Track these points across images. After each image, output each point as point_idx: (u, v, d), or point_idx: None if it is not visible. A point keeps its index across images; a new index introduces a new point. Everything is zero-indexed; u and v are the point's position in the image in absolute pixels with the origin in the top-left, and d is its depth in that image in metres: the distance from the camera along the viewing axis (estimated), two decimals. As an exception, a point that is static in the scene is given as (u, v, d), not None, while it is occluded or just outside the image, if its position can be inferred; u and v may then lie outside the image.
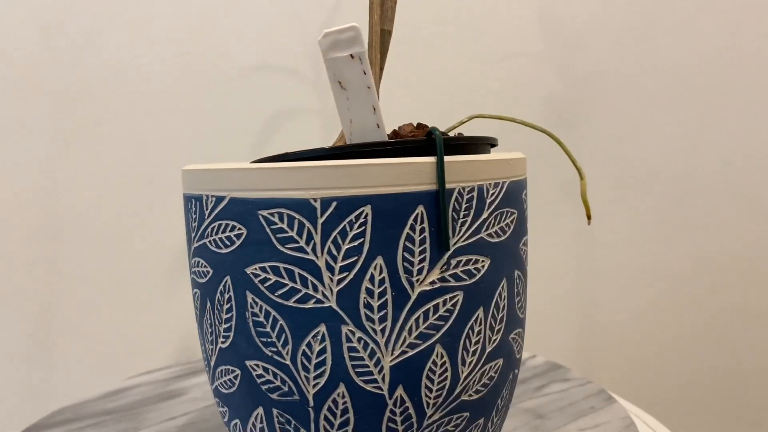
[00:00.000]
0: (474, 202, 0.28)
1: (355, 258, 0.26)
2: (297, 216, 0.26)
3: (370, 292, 0.26)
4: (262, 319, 0.28)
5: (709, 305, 0.80)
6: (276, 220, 0.27)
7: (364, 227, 0.26)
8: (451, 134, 0.37)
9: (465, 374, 0.29)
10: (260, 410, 0.29)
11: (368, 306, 0.27)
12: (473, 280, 0.28)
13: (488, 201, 0.28)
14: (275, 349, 0.28)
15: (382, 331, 0.27)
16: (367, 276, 0.26)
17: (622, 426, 0.41)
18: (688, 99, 0.75)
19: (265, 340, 0.28)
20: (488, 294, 0.29)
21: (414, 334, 0.27)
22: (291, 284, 0.27)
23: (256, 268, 0.28)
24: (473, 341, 0.29)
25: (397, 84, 0.68)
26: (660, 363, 0.80)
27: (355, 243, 0.26)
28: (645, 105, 0.75)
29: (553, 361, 0.55)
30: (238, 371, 0.30)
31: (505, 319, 0.30)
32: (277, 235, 0.27)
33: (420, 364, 0.27)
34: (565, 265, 0.76)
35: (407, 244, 0.27)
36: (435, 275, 0.27)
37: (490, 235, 0.29)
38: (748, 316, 0.80)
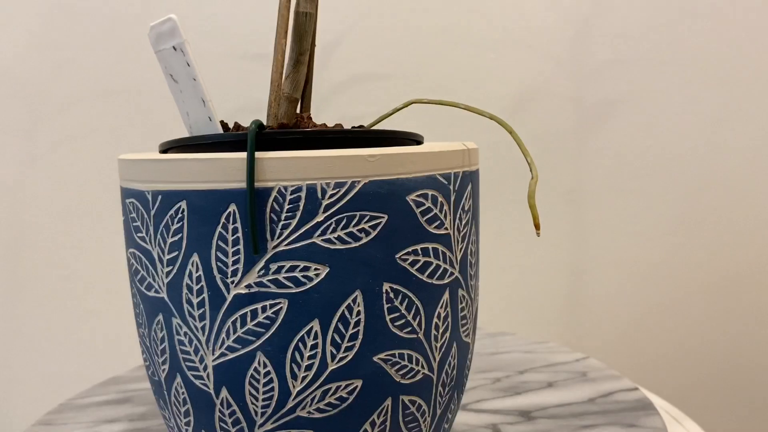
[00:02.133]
0: (301, 203, 0.25)
1: (177, 253, 0.26)
2: (140, 207, 0.27)
3: (190, 289, 0.26)
4: (135, 299, 0.30)
5: (726, 298, 0.77)
6: (131, 208, 0.28)
7: (182, 223, 0.26)
8: (379, 126, 0.33)
9: (298, 389, 0.26)
10: (150, 384, 0.32)
11: (189, 302, 0.26)
12: (302, 289, 0.25)
13: (325, 203, 0.25)
14: (143, 330, 0.30)
15: (203, 329, 0.26)
16: (187, 272, 0.26)
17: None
18: (707, 90, 0.72)
19: (138, 320, 0.30)
20: (328, 306, 0.26)
21: (232, 338, 0.26)
22: (142, 271, 0.28)
23: (128, 252, 0.30)
24: (306, 355, 0.26)
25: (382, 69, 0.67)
26: (680, 355, 0.77)
27: (176, 238, 0.26)
28: (664, 96, 0.71)
29: (647, 399, 0.44)
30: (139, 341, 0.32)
31: (361, 336, 0.26)
32: (133, 224, 0.28)
33: (242, 369, 0.26)
34: (578, 259, 0.74)
35: (220, 243, 0.25)
36: (251, 279, 0.25)
37: (329, 240, 0.25)
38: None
